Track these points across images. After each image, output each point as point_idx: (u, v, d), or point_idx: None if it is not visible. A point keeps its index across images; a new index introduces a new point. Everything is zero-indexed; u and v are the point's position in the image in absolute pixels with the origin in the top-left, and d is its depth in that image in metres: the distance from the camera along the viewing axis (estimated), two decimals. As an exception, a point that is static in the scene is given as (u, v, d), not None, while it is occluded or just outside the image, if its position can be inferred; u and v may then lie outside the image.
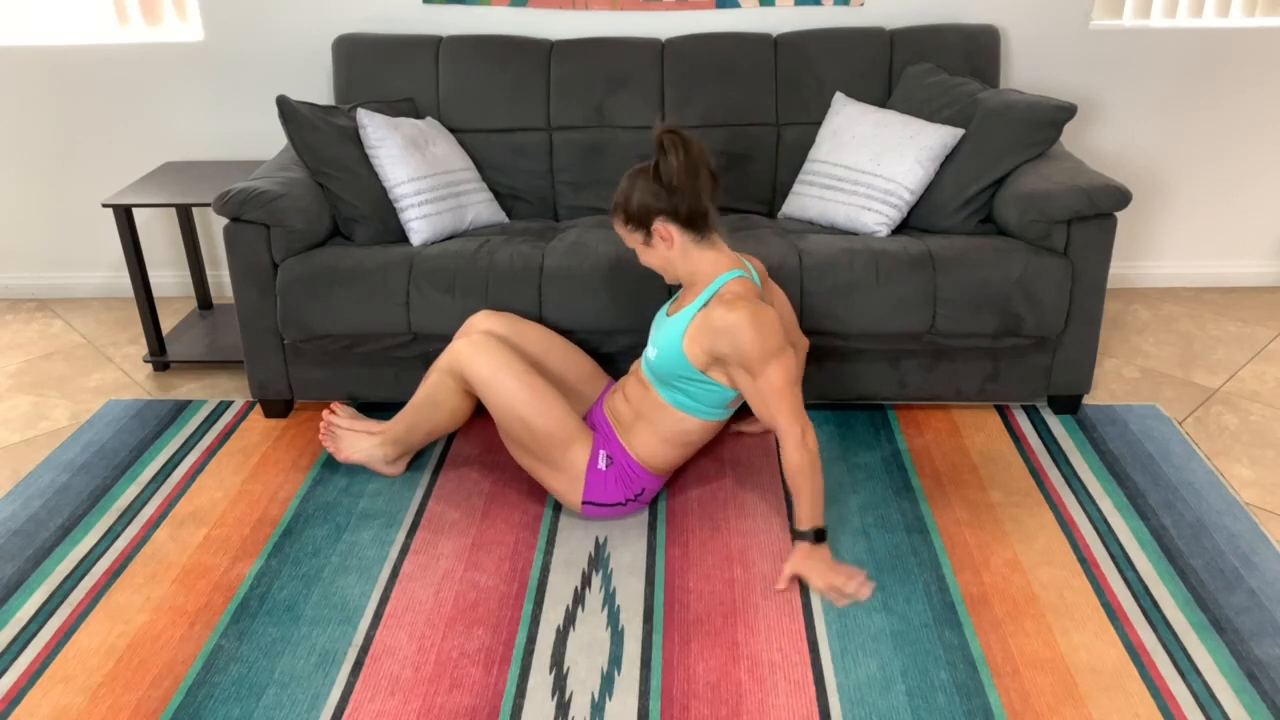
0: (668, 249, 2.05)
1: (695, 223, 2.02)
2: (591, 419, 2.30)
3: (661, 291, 2.42)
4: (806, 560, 2.02)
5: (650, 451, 2.17)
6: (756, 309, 1.95)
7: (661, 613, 1.97)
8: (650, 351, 2.13)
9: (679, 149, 1.97)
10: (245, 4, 3.07)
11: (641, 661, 1.85)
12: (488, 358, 2.14)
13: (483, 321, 2.34)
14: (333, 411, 2.44)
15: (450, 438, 2.58)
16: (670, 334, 2.07)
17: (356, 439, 2.40)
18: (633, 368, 2.27)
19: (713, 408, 2.13)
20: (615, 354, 2.55)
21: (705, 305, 2.03)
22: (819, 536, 2.02)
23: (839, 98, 2.84)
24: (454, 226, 2.67)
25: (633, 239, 2.08)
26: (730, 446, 2.52)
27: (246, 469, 2.47)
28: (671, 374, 2.08)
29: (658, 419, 2.14)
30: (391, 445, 2.36)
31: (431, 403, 2.27)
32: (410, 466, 2.45)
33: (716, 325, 1.97)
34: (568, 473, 2.16)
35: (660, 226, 2.02)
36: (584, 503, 2.18)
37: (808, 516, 2.02)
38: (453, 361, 2.20)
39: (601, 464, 2.15)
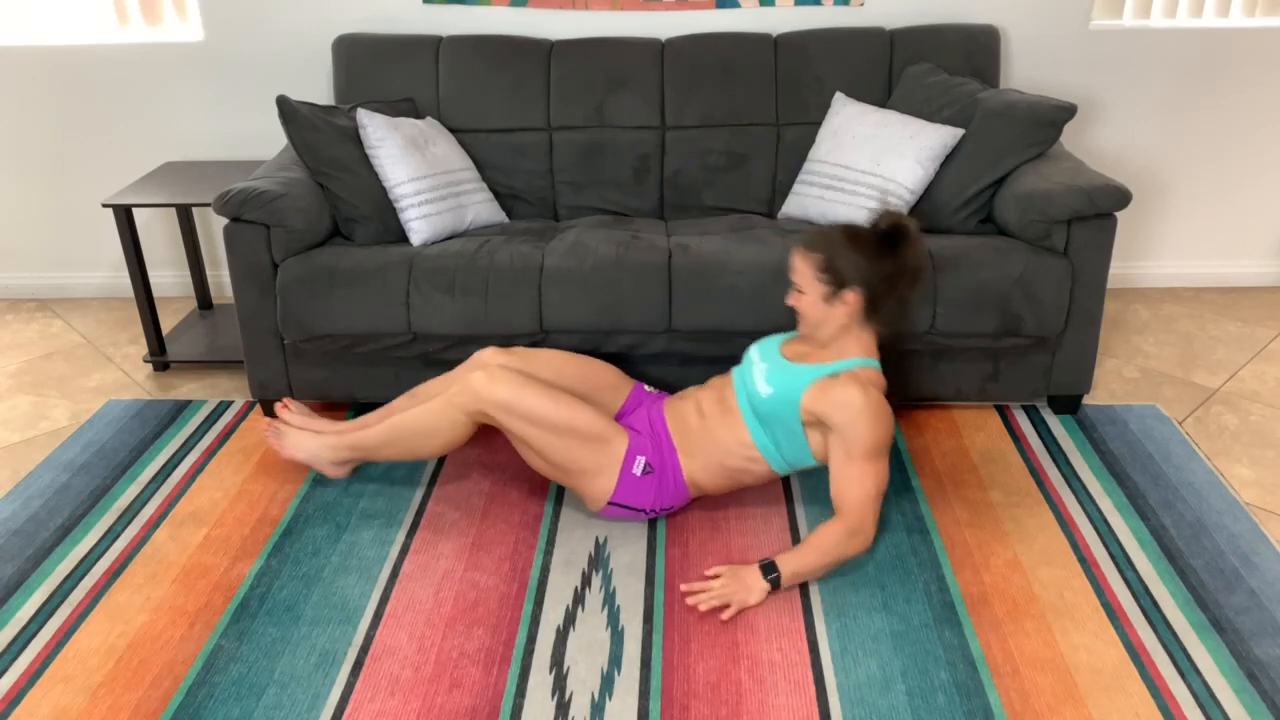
0: (839, 313, 2.05)
1: (877, 308, 2.06)
2: (634, 422, 2.24)
3: (662, 292, 2.42)
4: (747, 583, 1.99)
5: (705, 475, 2.15)
6: (883, 404, 2.00)
7: (661, 613, 1.97)
8: (763, 388, 2.09)
9: (915, 244, 2.02)
10: (245, 4, 3.07)
11: (641, 661, 1.85)
12: (506, 384, 2.09)
13: (492, 357, 2.30)
14: (285, 407, 2.42)
15: (450, 438, 2.58)
16: (792, 381, 2.06)
17: (303, 437, 2.33)
18: (712, 383, 2.24)
19: (788, 462, 2.13)
20: (615, 354, 2.55)
21: (836, 374, 2.03)
22: (773, 583, 1.99)
23: (839, 98, 2.84)
24: (454, 226, 2.67)
25: (812, 284, 2.04)
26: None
27: (246, 469, 2.47)
28: (774, 417, 2.08)
29: (732, 448, 2.12)
30: (349, 450, 2.28)
31: (425, 431, 2.18)
32: (356, 472, 2.39)
33: (842, 398, 1.98)
34: (599, 475, 2.11)
35: (851, 294, 2.02)
36: (610, 502, 2.14)
37: (792, 569, 1.98)
38: (468, 397, 2.11)
39: (637, 469, 2.11)
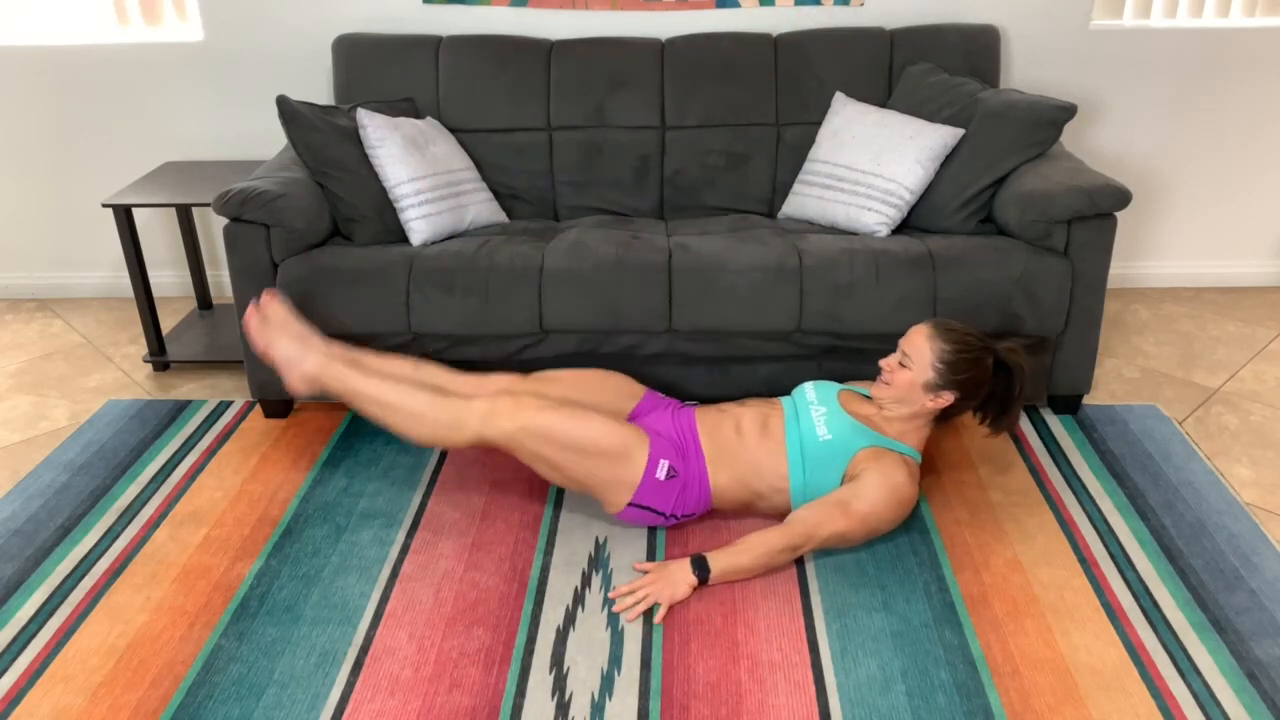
0: (924, 402, 2.12)
1: (952, 416, 2.16)
2: (653, 424, 2.22)
3: (662, 292, 2.42)
4: (674, 578, 2.00)
5: (728, 490, 2.15)
6: (911, 495, 2.08)
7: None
8: (823, 432, 2.11)
9: (1023, 389, 2.13)
10: (245, 4, 3.07)
11: (641, 661, 1.85)
12: (533, 410, 2.06)
13: (511, 384, 2.28)
14: (272, 297, 2.28)
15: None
16: (853, 437, 2.11)
17: (285, 338, 2.23)
18: (751, 404, 2.24)
19: (808, 499, 2.13)
20: (615, 354, 2.55)
21: (889, 447, 2.11)
22: (701, 579, 1.99)
23: (839, 98, 2.84)
24: (454, 226, 2.67)
25: (923, 367, 2.09)
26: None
27: (246, 469, 2.47)
28: (822, 461, 2.10)
29: (764, 473, 2.13)
30: (333, 379, 2.18)
31: (427, 420, 2.12)
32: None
33: (889, 471, 2.06)
34: (621, 484, 2.09)
35: (948, 396, 2.10)
36: (630, 504, 2.12)
37: (722, 566, 1.99)
38: (489, 422, 2.08)
39: (660, 473, 2.10)
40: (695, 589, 2.00)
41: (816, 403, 2.19)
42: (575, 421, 2.07)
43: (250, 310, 2.28)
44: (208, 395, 2.85)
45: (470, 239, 2.60)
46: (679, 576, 2.00)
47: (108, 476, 2.45)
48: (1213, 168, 3.27)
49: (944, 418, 2.18)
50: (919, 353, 2.10)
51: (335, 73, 2.95)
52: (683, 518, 2.17)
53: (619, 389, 2.31)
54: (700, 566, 1.99)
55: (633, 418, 2.27)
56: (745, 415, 2.20)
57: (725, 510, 2.24)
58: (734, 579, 2.03)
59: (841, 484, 2.11)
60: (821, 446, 2.10)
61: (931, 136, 2.61)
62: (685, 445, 2.16)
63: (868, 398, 2.25)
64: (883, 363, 2.18)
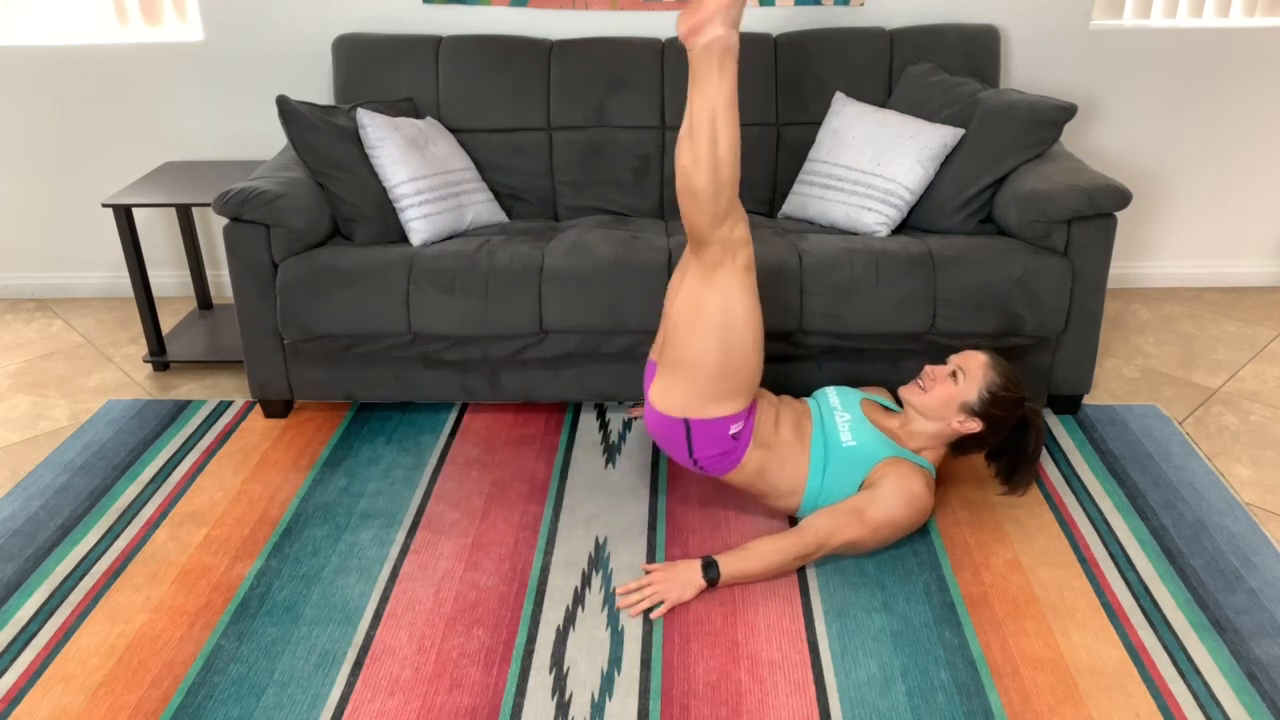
0: (953, 421, 2.13)
1: (966, 449, 2.20)
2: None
3: (660, 293, 2.42)
4: (683, 579, 2.00)
5: (749, 476, 2.13)
6: (927, 506, 2.09)
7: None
8: (847, 438, 2.12)
9: (1039, 444, 2.20)
10: (245, 4, 3.07)
11: (641, 661, 1.85)
12: (750, 279, 1.99)
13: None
14: None
15: (450, 437, 2.58)
16: (876, 446, 2.12)
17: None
18: (788, 401, 2.23)
19: (817, 508, 2.13)
20: (615, 354, 2.55)
21: (909, 459, 2.13)
22: (711, 582, 2.00)
23: (839, 98, 2.84)
24: (454, 226, 2.67)
25: (971, 391, 2.12)
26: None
27: (246, 469, 2.47)
28: (843, 466, 2.10)
29: (788, 471, 2.12)
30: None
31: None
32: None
33: (907, 479, 2.07)
34: (719, 399, 2.02)
35: (975, 425, 2.13)
36: (690, 419, 2.04)
37: (732, 570, 1.99)
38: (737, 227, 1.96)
39: (733, 429, 2.07)
40: (702, 592, 2.00)
41: (840, 409, 2.20)
42: (759, 319, 2.00)
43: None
44: (208, 395, 2.85)
45: (470, 239, 2.60)
46: (687, 578, 2.00)
47: (108, 476, 2.45)
48: (1213, 168, 3.27)
49: (959, 449, 2.20)
50: (974, 373, 2.12)
51: (335, 73, 2.95)
52: (703, 466, 2.13)
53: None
54: (710, 569, 1.99)
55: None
56: (784, 411, 2.20)
57: (732, 489, 2.24)
58: (742, 583, 2.03)
59: (858, 491, 2.10)
60: (845, 452, 2.11)
61: (931, 136, 2.61)
62: (749, 415, 2.13)
63: (888, 409, 2.26)
64: (929, 369, 2.17)
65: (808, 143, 2.89)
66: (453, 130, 2.92)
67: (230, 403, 2.78)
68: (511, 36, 2.94)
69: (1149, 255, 3.42)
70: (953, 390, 2.12)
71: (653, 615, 1.95)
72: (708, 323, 1.98)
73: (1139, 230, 3.38)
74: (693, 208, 1.95)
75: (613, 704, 1.76)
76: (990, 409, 2.12)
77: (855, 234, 2.61)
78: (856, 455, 2.11)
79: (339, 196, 2.59)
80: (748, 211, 2.91)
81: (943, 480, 2.38)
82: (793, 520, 2.24)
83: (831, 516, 2.03)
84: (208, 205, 2.75)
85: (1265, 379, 2.83)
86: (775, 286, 2.41)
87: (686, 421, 2.05)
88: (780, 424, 2.16)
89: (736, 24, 1.92)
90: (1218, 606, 1.96)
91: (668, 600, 1.97)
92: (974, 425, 2.13)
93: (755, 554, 2.00)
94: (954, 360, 2.17)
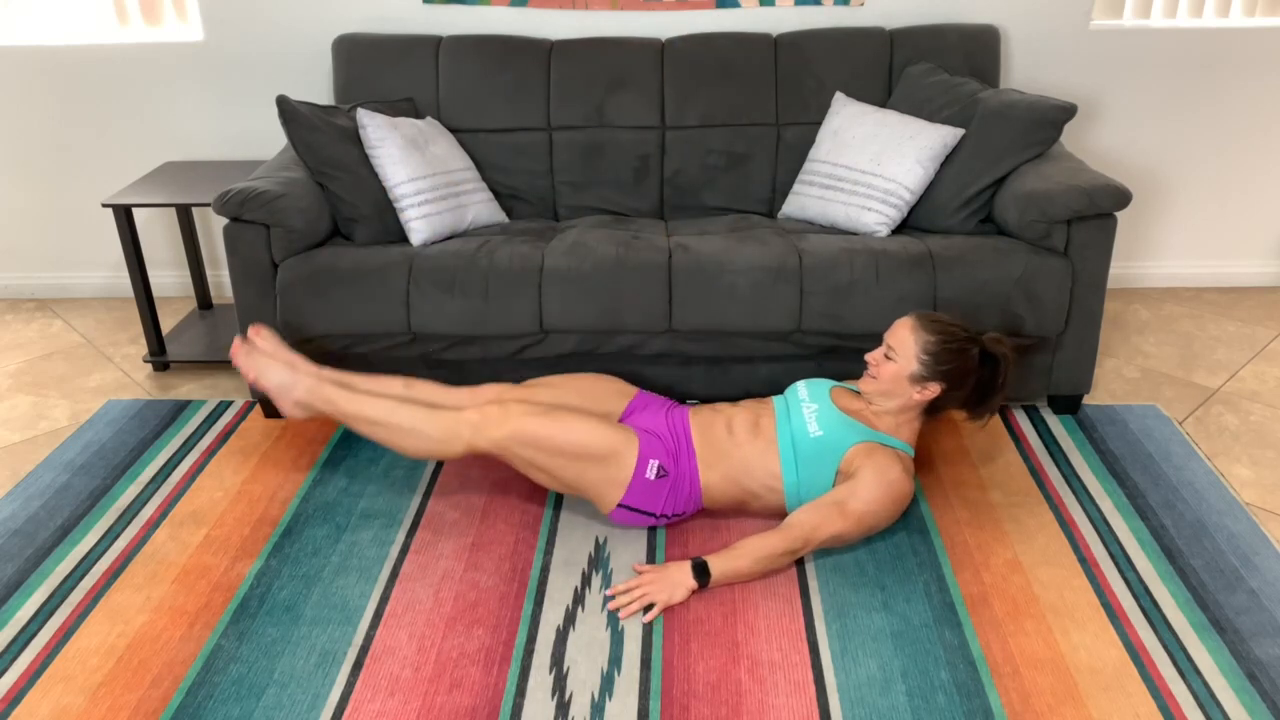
0: (912, 394, 2.13)
1: (940, 409, 2.18)
2: (642, 421, 2.22)
3: (662, 292, 2.42)
4: (674, 579, 2.00)
5: (721, 488, 2.15)
6: (907, 490, 2.08)
7: (660, 613, 1.97)
8: (814, 429, 2.12)
9: (1009, 378, 2.15)
10: (245, 4, 3.07)
11: (641, 661, 1.85)
12: (520, 417, 2.07)
13: (500, 393, 2.28)
14: (258, 332, 2.33)
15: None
16: (844, 433, 2.10)
17: (275, 365, 2.25)
18: (746, 404, 2.24)
19: (801, 501, 2.14)
20: (615, 354, 2.55)
21: (881, 442, 2.11)
22: (702, 584, 2.00)
23: (839, 98, 2.84)
24: (454, 226, 2.67)
25: (909, 359, 2.10)
26: (730, 446, 2.52)
27: (246, 469, 2.47)
28: (814, 459, 2.10)
29: (756, 472, 2.13)
30: (324, 401, 2.19)
31: (419, 434, 2.12)
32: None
33: (883, 465, 2.06)
34: (611, 484, 2.10)
35: (935, 387, 2.11)
36: (620, 505, 2.12)
37: (722, 570, 1.99)
38: (479, 431, 2.09)
39: (650, 473, 2.10)
40: (693, 593, 2.00)
41: (808, 400, 2.19)
42: (561, 425, 2.07)
43: (236, 344, 2.32)
44: (208, 395, 2.85)
45: (470, 239, 2.60)
46: (678, 579, 2.00)
47: (108, 476, 2.45)
48: (1213, 168, 3.27)
49: (933, 410, 2.19)
50: (903, 344, 2.12)
51: (335, 73, 2.95)
52: (673, 517, 2.17)
53: (610, 390, 2.31)
54: (700, 571, 1.99)
55: (624, 417, 2.27)
56: (737, 415, 2.20)
57: (718, 510, 2.23)
58: (733, 582, 2.03)
59: (835, 481, 2.10)
60: (813, 443, 2.10)
61: (931, 136, 2.61)
62: (678, 444, 2.16)
63: (859, 394, 2.26)
64: (868, 356, 2.19)
65: (808, 143, 2.89)
66: (453, 130, 2.92)
67: (230, 403, 2.78)
68: (511, 36, 2.94)
69: (1149, 255, 3.42)
70: (893, 368, 2.12)
71: (644, 618, 1.95)
72: (526, 468, 2.13)
73: (1139, 230, 3.38)
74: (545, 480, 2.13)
75: (613, 704, 1.76)
76: (938, 368, 2.10)
77: (855, 234, 2.61)
78: (825, 445, 2.10)
79: (339, 196, 2.59)
80: (748, 211, 2.91)
81: (943, 480, 2.38)
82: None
83: (814, 511, 2.03)
84: (208, 205, 2.75)
85: (1265, 379, 2.83)
86: (775, 286, 2.41)
87: (621, 508, 2.12)
88: (734, 429, 2.16)
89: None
90: (1218, 606, 1.96)
91: (658, 602, 1.97)
92: (933, 389, 2.12)
93: (744, 552, 2.00)
94: (885, 338, 2.17)
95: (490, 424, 2.09)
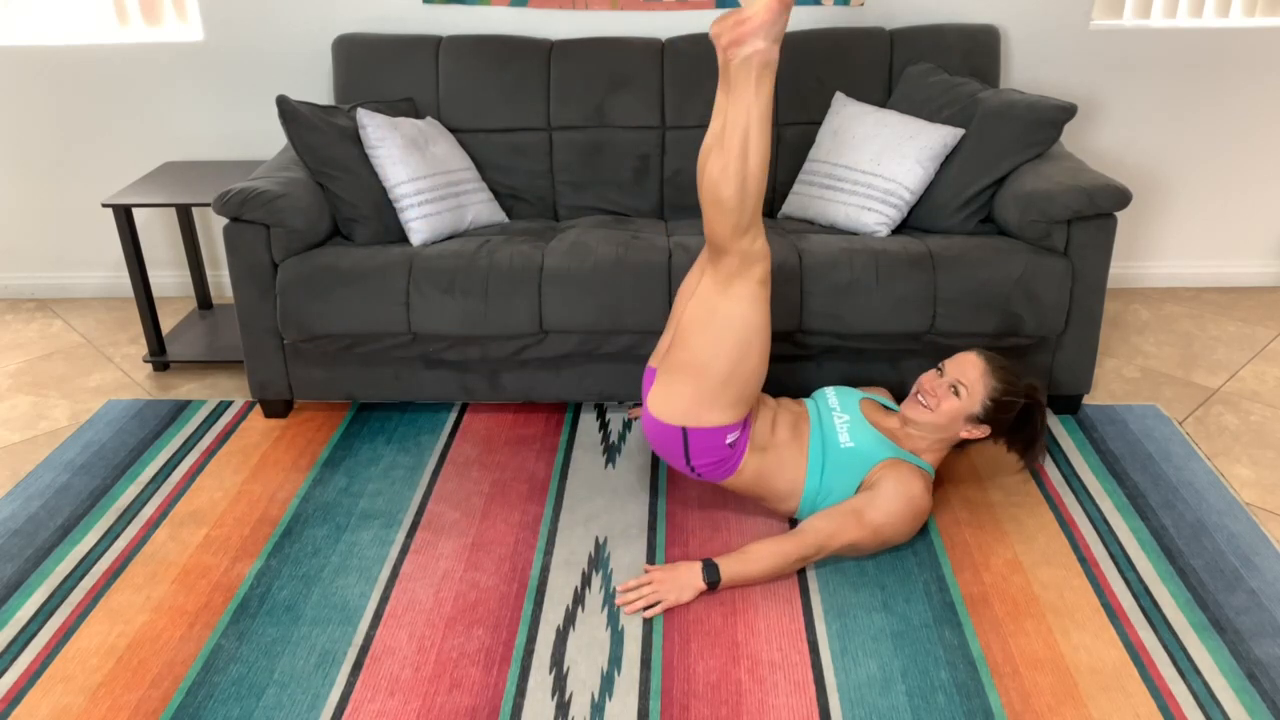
0: (959, 432, 2.13)
1: (966, 446, 2.21)
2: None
3: (662, 292, 2.42)
4: (682, 580, 1.99)
5: (748, 477, 2.13)
6: (926, 507, 2.08)
7: (661, 613, 1.97)
8: (845, 439, 2.12)
9: (1042, 431, 2.18)
10: (245, 4, 3.07)
11: (641, 661, 1.85)
12: (764, 292, 2.00)
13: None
14: None
15: (450, 437, 2.58)
16: (875, 448, 2.11)
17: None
18: (785, 403, 2.24)
19: (815, 507, 2.13)
20: (615, 354, 2.55)
21: (907, 460, 2.12)
22: (711, 585, 1.99)
23: (839, 98, 2.84)
24: (454, 226, 2.67)
25: (974, 401, 2.10)
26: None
27: (246, 469, 2.47)
28: (841, 468, 2.10)
29: (785, 472, 2.12)
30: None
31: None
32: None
33: (906, 480, 2.06)
34: (712, 413, 2.02)
35: (984, 430, 2.13)
36: (688, 427, 2.04)
37: (732, 573, 1.99)
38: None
39: (729, 438, 2.07)
40: (701, 594, 2.00)
41: (839, 410, 2.20)
42: (767, 333, 2.01)
43: None
44: (208, 395, 2.85)
45: (470, 239, 2.60)
46: (687, 580, 1.99)
47: (108, 476, 2.45)
48: (1213, 168, 3.27)
49: (962, 444, 2.20)
50: (974, 385, 2.11)
51: (335, 73, 2.95)
52: (698, 474, 2.13)
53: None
54: (711, 572, 1.99)
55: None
56: (782, 414, 2.20)
57: (731, 493, 2.23)
58: (742, 586, 2.03)
59: (856, 493, 2.10)
60: (844, 454, 2.11)
61: (931, 136, 2.61)
62: (746, 420, 2.13)
63: (888, 409, 2.26)
64: (928, 384, 2.14)
65: (808, 143, 2.89)
66: (453, 130, 2.92)
67: (230, 403, 2.78)
68: (511, 36, 2.94)
69: (1149, 255, 3.42)
70: (957, 405, 2.11)
71: (646, 614, 1.95)
72: (719, 330, 1.98)
73: (1139, 230, 3.38)
74: (716, 216, 1.95)
75: (613, 704, 1.76)
76: (996, 415, 2.12)
77: (855, 234, 2.61)
78: (855, 457, 2.11)
79: (339, 196, 2.59)
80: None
81: (943, 480, 2.38)
82: (792, 522, 2.24)
83: (830, 519, 2.03)
84: (208, 205, 2.75)
85: (1265, 379, 2.83)
86: (775, 286, 2.41)
87: (684, 430, 2.05)
88: (777, 426, 2.16)
89: (779, 39, 1.92)
90: (1218, 606, 1.96)
91: (665, 601, 1.97)
92: (981, 431, 2.13)
93: (755, 557, 2.00)
94: (950, 370, 2.14)
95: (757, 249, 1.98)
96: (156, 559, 2.16)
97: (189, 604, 2.02)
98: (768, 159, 1.95)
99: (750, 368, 2.00)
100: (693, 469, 2.12)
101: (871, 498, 2.05)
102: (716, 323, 1.98)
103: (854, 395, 2.26)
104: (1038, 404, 2.17)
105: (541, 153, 2.92)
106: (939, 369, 2.17)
